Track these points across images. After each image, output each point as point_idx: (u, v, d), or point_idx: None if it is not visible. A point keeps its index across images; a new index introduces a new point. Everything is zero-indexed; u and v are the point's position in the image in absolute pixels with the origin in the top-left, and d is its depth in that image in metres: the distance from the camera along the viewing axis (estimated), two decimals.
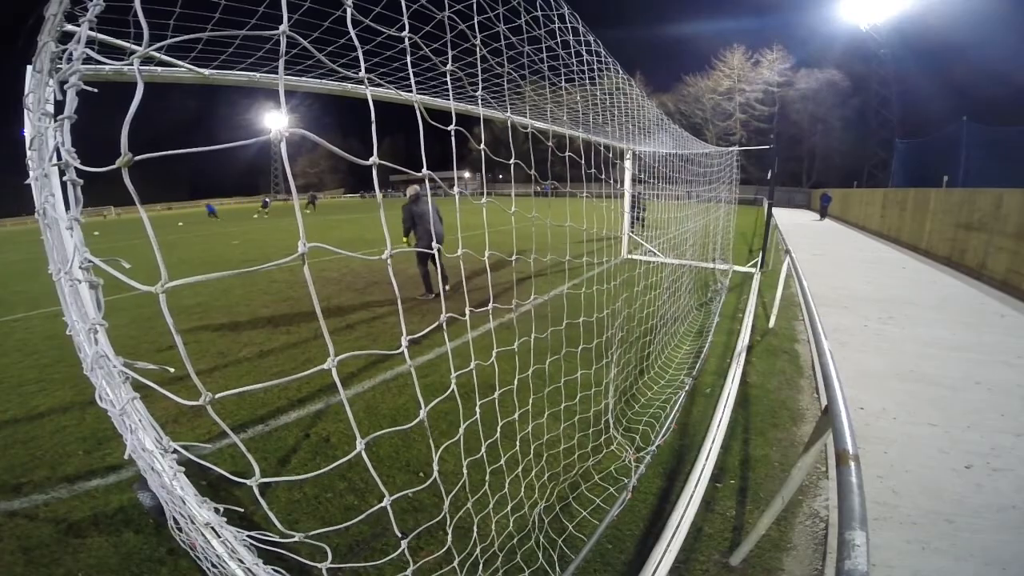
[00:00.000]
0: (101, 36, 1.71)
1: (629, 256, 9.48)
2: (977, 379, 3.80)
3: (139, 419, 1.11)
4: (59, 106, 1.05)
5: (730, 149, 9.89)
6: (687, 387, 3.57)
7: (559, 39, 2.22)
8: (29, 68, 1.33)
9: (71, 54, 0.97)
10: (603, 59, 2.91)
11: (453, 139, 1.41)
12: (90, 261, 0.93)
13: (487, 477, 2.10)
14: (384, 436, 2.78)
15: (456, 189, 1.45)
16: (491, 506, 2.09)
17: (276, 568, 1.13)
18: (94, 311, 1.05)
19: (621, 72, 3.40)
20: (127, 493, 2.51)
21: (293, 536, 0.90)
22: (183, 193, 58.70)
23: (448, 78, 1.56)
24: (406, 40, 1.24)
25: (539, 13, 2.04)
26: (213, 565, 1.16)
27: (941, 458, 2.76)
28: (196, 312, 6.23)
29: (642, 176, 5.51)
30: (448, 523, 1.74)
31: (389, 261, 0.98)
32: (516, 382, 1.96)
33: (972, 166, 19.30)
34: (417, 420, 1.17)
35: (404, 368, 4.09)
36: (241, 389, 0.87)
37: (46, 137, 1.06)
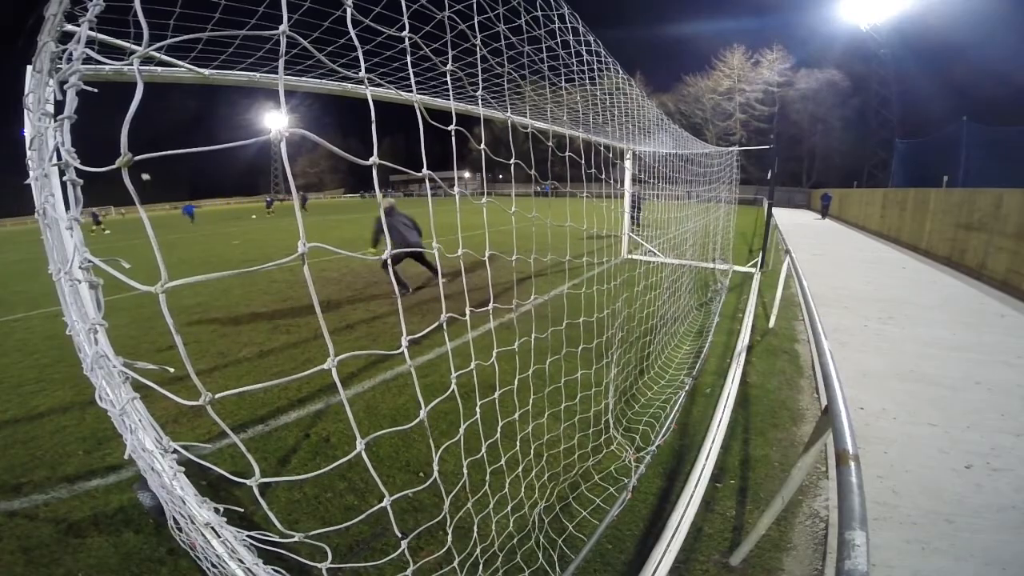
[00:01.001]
0: (101, 36, 1.70)
1: (629, 256, 9.48)
2: (977, 379, 3.80)
3: (139, 419, 1.11)
4: (59, 106, 1.05)
5: (730, 149, 9.89)
6: (687, 387, 3.57)
7: (559, 39, 2.22)
8: (29, 68, 1.33)
9: (71, 54, 0.97)
10: (603, 59, 2.91)
11: (453, 139, 1.41)
12: (90, 261, 0.93)
13: (487, 477, 2.10)
14: (384, 436, 2.78)
15: (456, 189, 1.45)
16: (491, 506, 2.09)
17: (276, 568, 1.13)
18: (94, 311, 1.05)
19: (621, 72, 3.40)
20: (127, 493, 2.51)
21: (293, 536, 0.90)
22: (183, 193, 58.73)
23: (448, 78, 1.56)
24: (406, 40, 1.24)
25: (539, 13, 2.04)
26: (213, 565, 1.16)
27: (941, 458, 2.76)
28: (196, 312, 6.23)
29: (642, 176, 5.50)
30: (448, 523, 1.75)
31: (390, 262, 0.98)
32: (516, 382, 1.96)
33: (972, 166, 19.29)
34: (417, 420, 1.17)
35: (404, 368, 4.09)
36: (241, 389, 0.87)
37: (46, 137, 1.06)
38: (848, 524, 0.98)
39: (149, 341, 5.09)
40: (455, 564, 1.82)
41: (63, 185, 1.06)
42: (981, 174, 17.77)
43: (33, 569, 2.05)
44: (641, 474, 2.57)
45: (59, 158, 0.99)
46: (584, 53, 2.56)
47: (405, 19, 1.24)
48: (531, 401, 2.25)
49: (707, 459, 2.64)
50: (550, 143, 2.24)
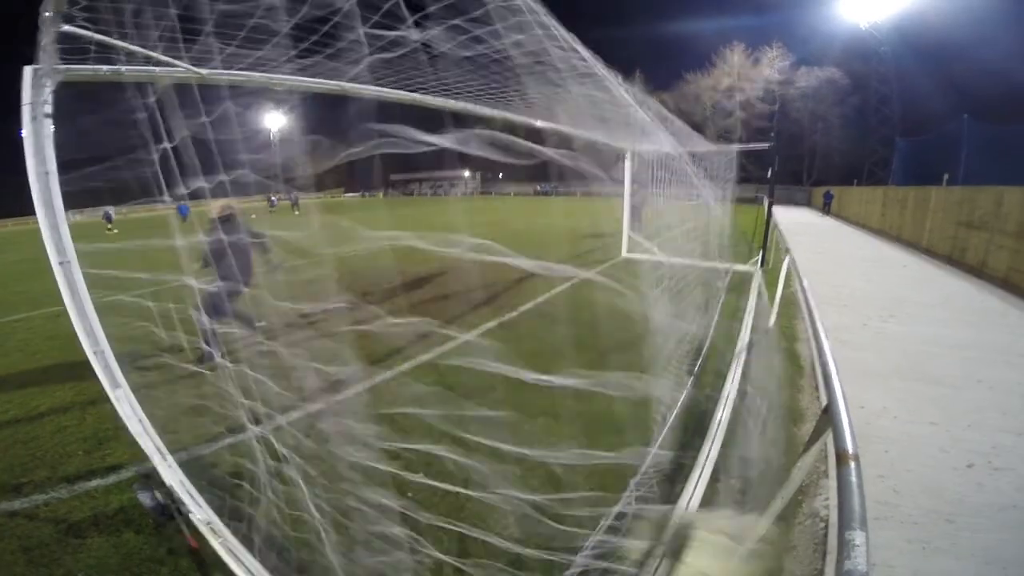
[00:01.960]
0: (99, 36, 1.70)
1: (629, 256, 9.47)
2: (978, 378, 3.79)
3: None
4: (59, 106, 1.05)
5: (730, 147, 9.87)
6: (687, 387, 3.56)
7: (559, 34, 2.21)
8: (28, 68, 1.33)
9: (69, 54, 0.97)
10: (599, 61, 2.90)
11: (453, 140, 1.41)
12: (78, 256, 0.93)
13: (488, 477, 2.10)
14: (383, 436, 2.78)
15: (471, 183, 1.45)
16: (490, 507, 2.08)
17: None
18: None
19: (619, 77, 3.39)
20: (127, 493, 2.51)
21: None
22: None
23: (446, 81, 1.56)
24: (410, 36, 1.24)
25: (541, 13, 2.04)
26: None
27: (942, 457, 2.76)
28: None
29: (642, 175, 5.50)
30: (448, 523, 1.74)
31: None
32: (516, 382, 1.95)
33: (972, 164, 19.27)
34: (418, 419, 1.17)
35: (404, 368, 4.09)
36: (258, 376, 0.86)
37: (46, 137, 1.06)
38: (848, 524, 0.98)
39: (149, 341, 5.08)
40: (455, 564, 1.82)
41: (61, 184, 1.06)
42: (982, 172, 17.74)
43: (33, 569, 2.05)
44: (641, 474, 2.57)
45: (59, 158, 0.99)
46: (585, 52, 2.55)
47: (406, 21, 1.23)
48: (531, 401, 2.24)
49: (707, 459, 2.64)
50: (550, 143, 2.23)
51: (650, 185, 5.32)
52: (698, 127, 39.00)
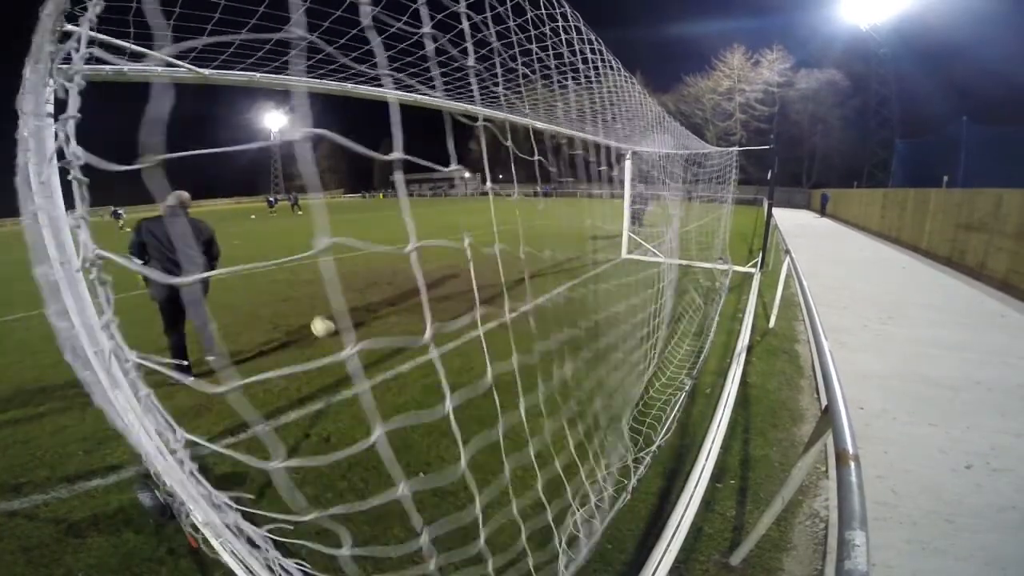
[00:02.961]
0: (101, 36, 1.70)
1: (629, 256, 9.48)
2: (977, 379, 3.80)
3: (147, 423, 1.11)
4: (60, 105, 1.05)
5: (730, 149, 9.89)
6: (687, 387, 3.57)
7: (563, 37, 2.22)
8: (27, 68, 1.33)
9: (70, 54, 0.97)
10: (604, 57, 2.91)
11: (451, 140, 1.41)
12: (101, 258, 0.93)
13: (488, 477, 2.10)
14: (383, 436, 2.78)
15: (490, 185, 1.45)
16: (490, 507, 2.09)
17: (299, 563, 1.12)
18: (107, 307, 1.05)
19: (623, 71, 3.40)
20: (127, 493, 2.50)
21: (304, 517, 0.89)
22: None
23: (448, 79, 1.56)
24: (427, 39, 1.24)
25: (542, 11, 2.04)
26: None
27: (941, 458, 2.76)
28: None
29: (642, 176, 5.51)
30: (448, 523, 1.74)
31: (414, 255, 0.97)
32: (516, 383, 1.96)
33: (972, 166, 19.31)
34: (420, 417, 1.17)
35: (404, 368, 4.09)
36: (255, 377, 0.86)
37: (45, 137, 1.06)
38: (848, 524, 0.98)
39: (149, 341, 5.09)
40: (455, 563, 1.82)
41: (67, 184, 1.06)
42: (981, 174, 17.77)
43: (33, 569, 2.05)
44: (641, 474, 2.57)
45: (61, 158, 0.99)
46: (587, 52, 2.56)
47: (406, 20, 1.24)
48: (531, 401, 2.24)
49: (707, 459, 2.64)
50: (550, 144, 2.24)
51: (650, 185, 5.33)
52: (698, 129, 39.12)
